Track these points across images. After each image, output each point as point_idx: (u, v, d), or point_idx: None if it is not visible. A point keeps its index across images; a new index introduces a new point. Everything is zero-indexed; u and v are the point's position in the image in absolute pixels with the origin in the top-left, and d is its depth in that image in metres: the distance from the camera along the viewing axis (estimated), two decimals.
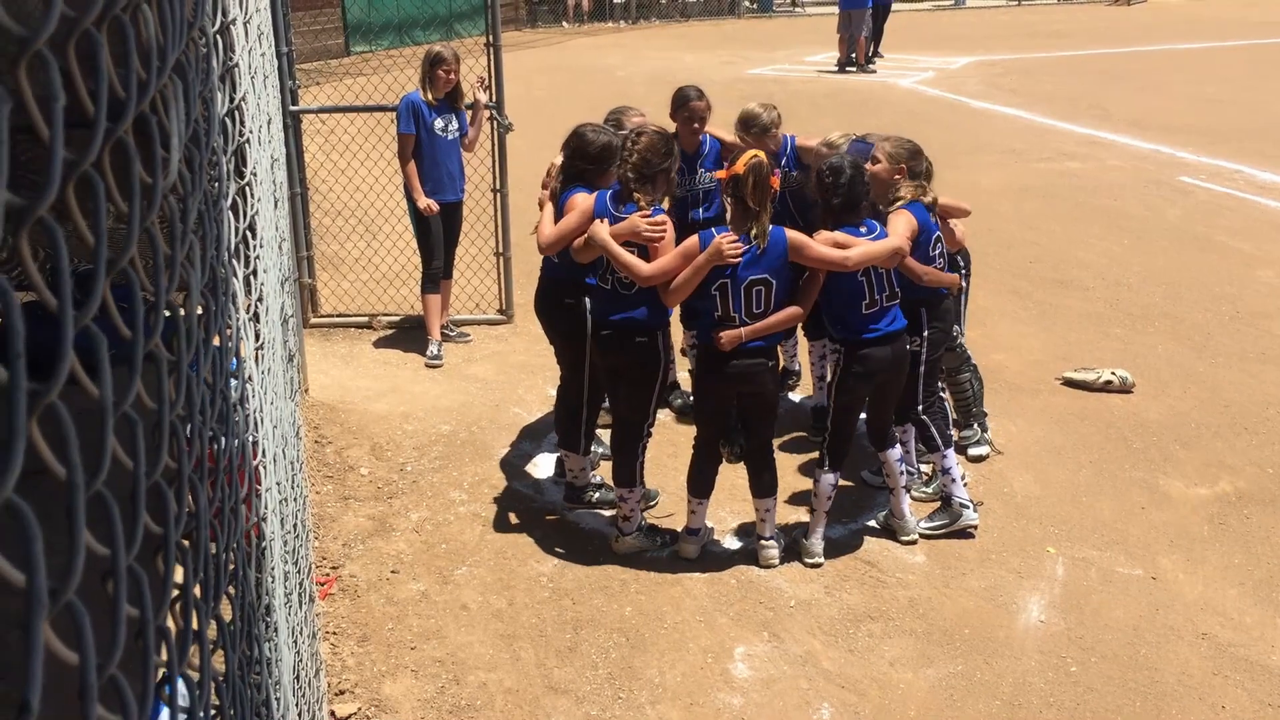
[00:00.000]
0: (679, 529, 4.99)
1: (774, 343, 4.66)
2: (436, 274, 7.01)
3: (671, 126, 5.53)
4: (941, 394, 5.28)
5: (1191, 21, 23.90)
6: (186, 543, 0.95)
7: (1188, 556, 4.88)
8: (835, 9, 19.35)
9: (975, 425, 5.71)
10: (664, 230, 4.50)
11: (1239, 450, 5.76)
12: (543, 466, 5.71)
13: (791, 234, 4.52)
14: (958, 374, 5.56)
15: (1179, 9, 26.31)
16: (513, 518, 5.25)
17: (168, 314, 0.91)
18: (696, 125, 5.69)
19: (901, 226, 4.72)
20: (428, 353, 7.00)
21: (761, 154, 4.59)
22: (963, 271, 5.46)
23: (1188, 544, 4.97)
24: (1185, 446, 5.81)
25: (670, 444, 5.63)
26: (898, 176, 4.85)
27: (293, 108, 6.91)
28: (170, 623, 0.85)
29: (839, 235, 4.61)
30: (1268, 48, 20.08)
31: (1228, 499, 5.32)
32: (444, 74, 6.70)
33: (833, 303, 4.70)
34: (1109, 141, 12.83)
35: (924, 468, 5.41)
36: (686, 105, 5.69)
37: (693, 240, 4.50)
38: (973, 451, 5.63)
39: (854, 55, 18.42)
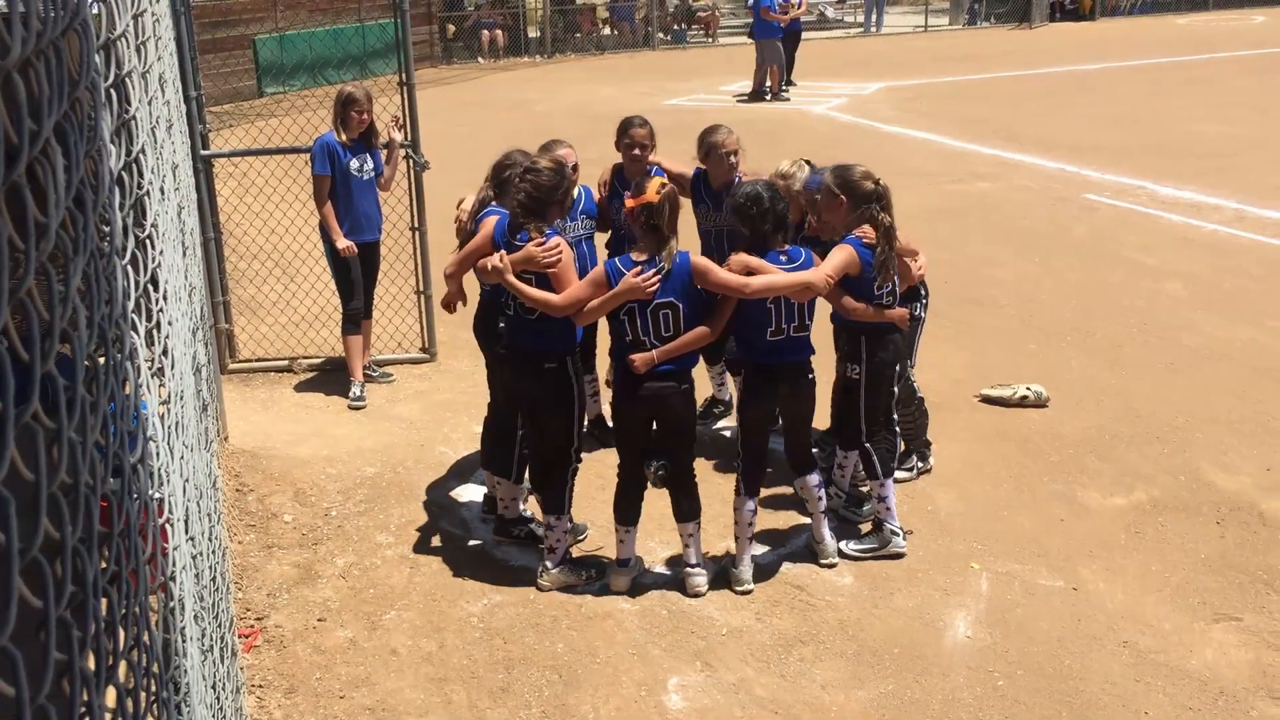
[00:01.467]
0: (605, 560, 5.00)
1: (684, 366, 4.71)
2: (356, 314, 6.94)
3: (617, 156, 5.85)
4: (895, 425, 5.31)
5: (1091, 44, 24.66)
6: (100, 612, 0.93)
7: (1107, 566, 4.99)
8: (748, 40, 19.62)
9: (914, 456, 5.76)
10: (559, 254, 4.62)
11: (1152, 459, 5.91)
12: (471, 505, 5.67)
13: (695, 258, 4.62)
14: (906, 407, 5.59)
15: (1079, 32, 27.13)
16: (441, 558, 5.20)
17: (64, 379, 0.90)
18: (637, 152, 5.76)
19: (829, 265, 4.73)
20: (350, 394, 6.92)
21: (663, 181, 4.69)
22: (922, 302, 5.53)
23: (1106, 554, 5.09)
24: (1101, 458, 5.95)
25: (599, 477, 5.62)
26: (839, 206, 4.88)
27: (203, 152, 6.82)
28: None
29: (752, 260, 4.66)
30: (1164, 67, 20.78)
31: (1143, 508, 5.46)
32: (357, 114, 6.66)
33: (740, 326, 4.78)
34: (1017, 162, 13.16)
35: (864, 488, 5.42)
36: (627, 132, 5.83)
37: (599, 269, 4.62)
38: (897, 474, 5.66)
39: (768, 84, 18.67)
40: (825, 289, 4.71)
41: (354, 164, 6.73)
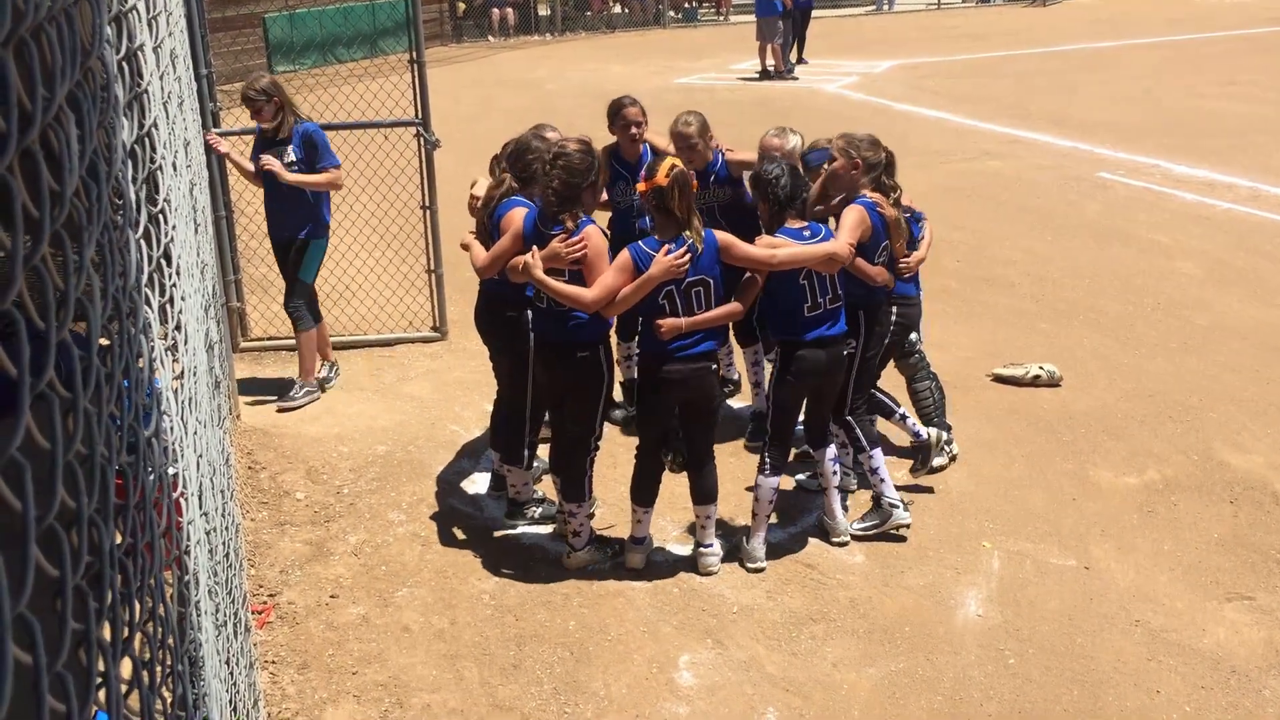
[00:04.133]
0: (624, 538, 4.99)
1: (716, 346, 4.68)
2: (289, 312, 6.63)
3: (609, 139, 5.69)
4: (875, 393, 5.31)
5: (1104, 21, 24.46)
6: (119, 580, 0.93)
7: (1119, 545, 4.98)
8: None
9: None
10: (584, 248, 4.49)
11: (1164, 439, 5.89)
12: (481, 483, 5.67)
13: (720, 234, 4.60)
14: (916, 382, 5.57)
15: (1092, 9, 26.91)
16: (453, 536, 5.21)
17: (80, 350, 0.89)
18: (634, 130, 5.71)
19: (845, 233, 4.71)
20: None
21: (678, 161, 4.65)
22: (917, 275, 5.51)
23: (1118, 533, 5.07)
24: (1113, 437, 5.93)
25: (609, 455, 5.62)
26: (855, 171, 4.89)
27: (215, 130, 6.80)
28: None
29: (777, 240, 4.66)
30: (1178, 44, 20.62)
31: (1155, 487, 5.44)
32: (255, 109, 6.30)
33: (776, 305, 4.76)
34: (1029, 140, 13.08)
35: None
36: (620, 113, 5.76)
37: (624, 255, 4.51)
38: (937, 464, 5.62)
39: (772, 63, 18.56)
40: (849, 256, 4.70)
41: (264, 157, 6.30)
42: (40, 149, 0.81)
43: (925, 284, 5.62)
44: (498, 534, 5.23)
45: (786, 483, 5.53)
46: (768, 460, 4.86)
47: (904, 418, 5.45)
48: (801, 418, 5.09)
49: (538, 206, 4.73)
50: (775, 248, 4.62)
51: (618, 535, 5.06)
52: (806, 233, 4.70)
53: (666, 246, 4.48)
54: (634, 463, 4.91)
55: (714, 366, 4.67)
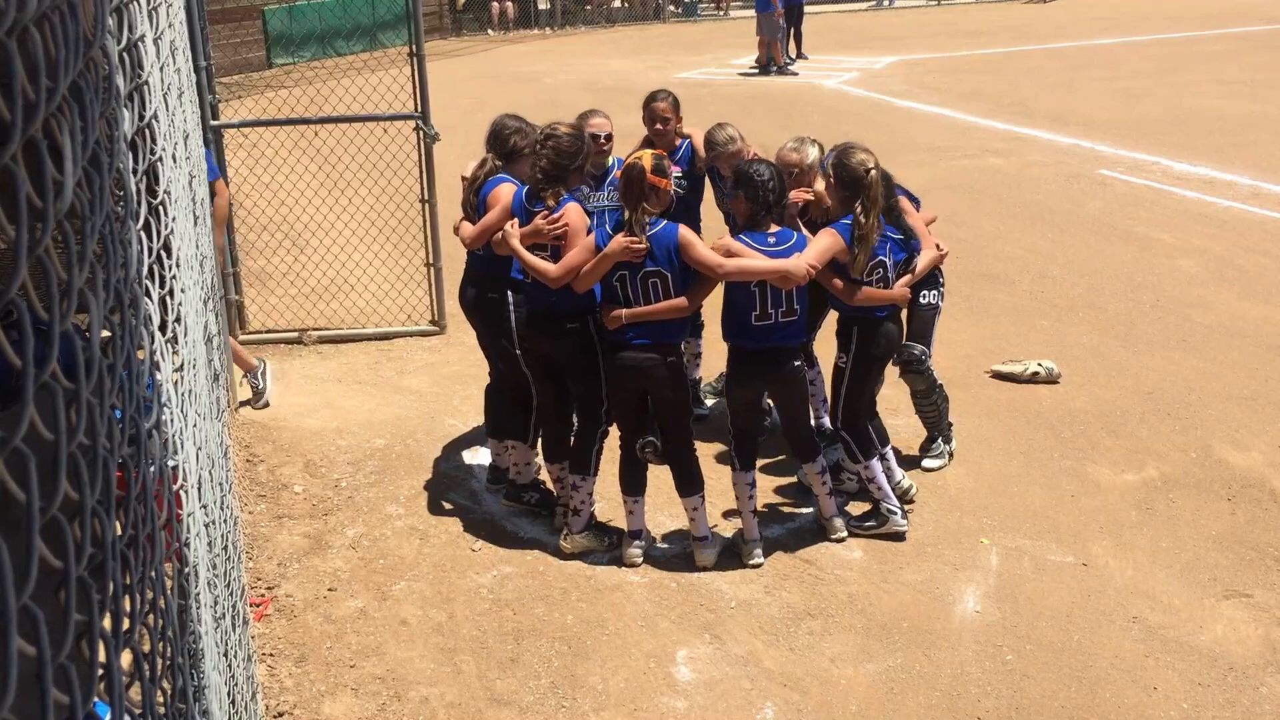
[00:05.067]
0: (623, 530, 5.00)
1: (667, 340, 4.68)
2: None
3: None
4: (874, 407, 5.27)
5: (1105, 19, 24.44)
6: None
7: (1117, 542, 4.98)
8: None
9: (939, 440, 5.69)
10: (564, 227, 4.66)
11: (1163, 436, 5.89)
12: (480, 476, 5.67)
13: (682, 231, 4.64)
14: (927, 397, 5.54)
15: (1093, 6, 26.88)
16: (451, 530, 5.21)
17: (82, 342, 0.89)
18: (659, 125, 5.76)
19: (811, 253, 4.66)
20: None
21: (644, 155, 4.71)
22: (939, 289, 5.43)
23: (1117, 530, 5.08)
24: (1112, 434, 5.93)
25: (608, 450, 5.62)
26: (830, 190, 4.86)
27: (213, 122, 6.80)
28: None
29: (734, 244, 4.64)
30: (1177, 42, 20.60)
31: (1154, 484, 5.44)
32: None
33: (727, 309, 4.76)
34: (1030, 137, 13.07)
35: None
36: (648, 107, 5.86)
37: (590, 237, 4.66)
38: (927, 463, 5.62)
39: (772, 58, 18.55)
40: (805, 278, 4.63)
41: None
42: (43, 139, 0.81)
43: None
44: (496, 527, 5.22)
45: (784, 481, 5.55)
46: (735, 458, 4.91)
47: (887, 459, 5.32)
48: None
49: (521, 184, 4.94)
50: (730, 253, 4.61)
51: (617, 526, 5.07)
52: (772, 239, 4.66)
53: (625, 230, 4.59)
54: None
55: (669, 359, 4.68)
